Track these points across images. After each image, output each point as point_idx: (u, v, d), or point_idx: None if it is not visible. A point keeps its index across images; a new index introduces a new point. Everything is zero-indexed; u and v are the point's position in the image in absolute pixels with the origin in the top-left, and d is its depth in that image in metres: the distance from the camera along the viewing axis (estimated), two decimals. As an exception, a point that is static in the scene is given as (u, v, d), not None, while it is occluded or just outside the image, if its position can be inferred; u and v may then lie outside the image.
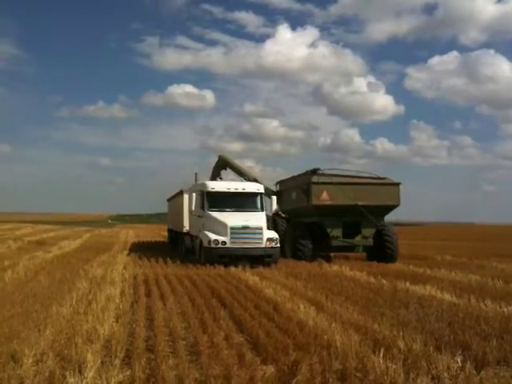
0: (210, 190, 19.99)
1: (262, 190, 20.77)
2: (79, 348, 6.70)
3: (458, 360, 6.50)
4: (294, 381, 5.75)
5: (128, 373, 6.02)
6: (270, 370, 6.30)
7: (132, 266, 17.76)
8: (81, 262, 17.89)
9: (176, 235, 28.45)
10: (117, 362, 6.35)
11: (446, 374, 6.09)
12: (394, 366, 6.17)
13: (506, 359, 6.73)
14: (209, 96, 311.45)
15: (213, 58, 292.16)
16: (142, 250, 27.01)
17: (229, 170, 29.21)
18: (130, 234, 51.74)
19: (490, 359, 6.66)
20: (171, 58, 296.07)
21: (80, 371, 5.93)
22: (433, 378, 6.04)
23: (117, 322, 8.53)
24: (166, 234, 38.08)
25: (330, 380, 5.91)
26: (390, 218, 22.72)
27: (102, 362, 6.31)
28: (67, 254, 22.80)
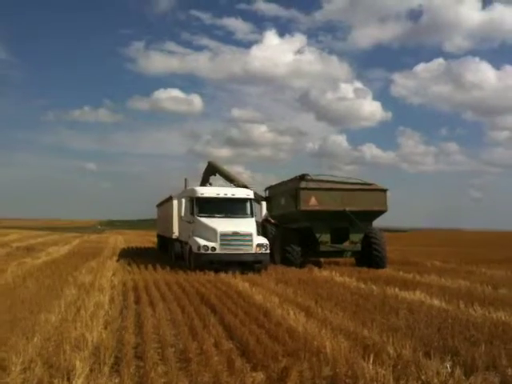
0: (199, 195, 19.95)
1: (252, 196, 20.77)
2: (67, 355, 6.64)
3: (448, 366, 6.52)
4: (284, 387, 5.74)
5: (117, 380, 5.99)
6: (260, 376, 6.29)
7: (121, 273, 17.66)
8: (69, 269, 17.76)
9: (165, 241, 28.35)
10: (105, 369, 6.30)
11: (435, 380, 6.10)
12: (383, 372, 6.18)
13: (494, 364, 6.75)
14: (196, 101, 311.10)
15: (199, 62, 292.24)
16: (131, 256, 26.88)
17: (218, 176, 29.23)
18: (119, 240, 51.49)
19: (479, 365, 6.67)
20: (157, 63, 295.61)
21: (68, 379, 5.88)
22: (422, 384, 6.05)
23: (105, 328, 8.48)
24: (155, 239, 37.92)
25: (320, 386, 5.90)
26: (379, 224, 22.86)
27: (90, 370, 6.26)
28: (56, 260, 22.62)
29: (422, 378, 6.19)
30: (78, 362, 6.30)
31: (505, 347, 7.46)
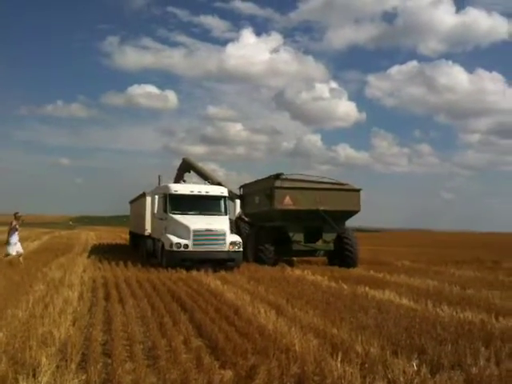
0: (173, 192, 19.83)
1: (226, 194, 20.74)
2: (34, 351, 6.55)
3: (414, 364, 6.61)
4: (252, 385, 5.74)
5: (83, 377, 5.91)
6: (229, 374, 6.29)
7: (92, 269, 17.47)
8: (39, 264, 17.50)
9: (138, 238, 28.11)
10: (72, 366, 6.23)
11: (401, 378, 6.18)
12: (351, 370, 6.23)
13: (460, 363, 6.87)
14: (171, 97, 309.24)
15: (175, 59, 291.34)
16: (102, 252, 26.61)
17: (193, 173, 29.13)
18: (90, 236, 50.91)
19: (445, 363, 6.79)
20: (132, 58, 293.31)
21: (34, 375, 5.80)
22: (389, 382, 6.12)
23: (74, 325, 8.39)
24: (127, 236, 37.60)
25: (288, 384, 5.93)
26: (352, 224, 23.05)
27: (57, 366, 6.18)
28: (25, 256, 22.17)
29: (389, 376, 6.27)
30: (44, 359, 6.23)
31: (470, 346, 7.59)
